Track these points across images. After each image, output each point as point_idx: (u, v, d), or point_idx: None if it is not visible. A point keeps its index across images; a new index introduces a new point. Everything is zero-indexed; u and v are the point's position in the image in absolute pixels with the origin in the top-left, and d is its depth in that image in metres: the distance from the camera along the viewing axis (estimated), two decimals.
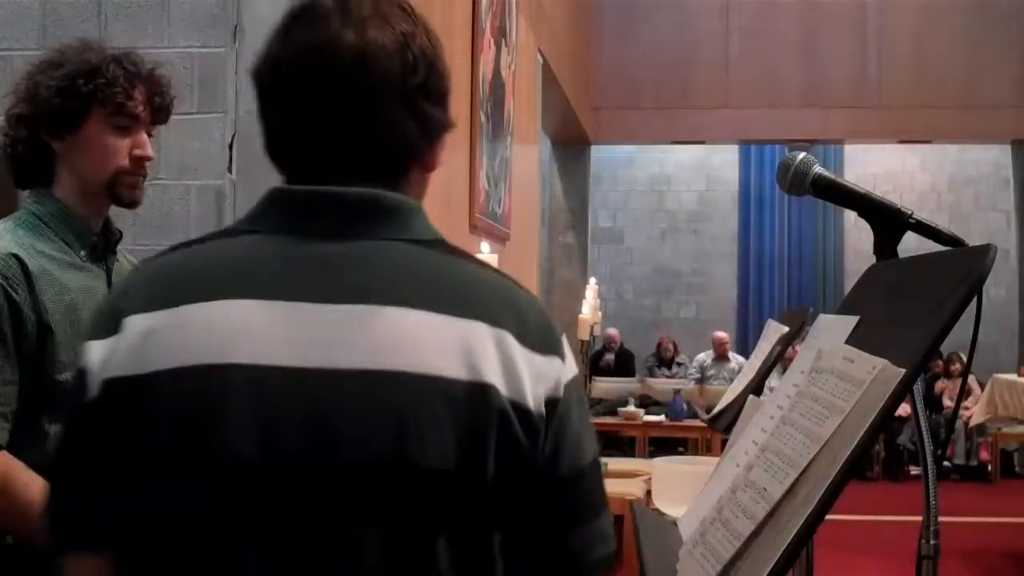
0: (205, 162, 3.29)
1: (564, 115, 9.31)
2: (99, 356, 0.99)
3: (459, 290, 1.00)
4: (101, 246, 1.80)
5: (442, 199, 3.97)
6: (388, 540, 0.94)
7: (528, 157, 6.63)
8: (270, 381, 0.95)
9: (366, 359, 0.95)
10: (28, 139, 1.73)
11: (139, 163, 1.77)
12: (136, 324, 0.98)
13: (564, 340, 1.05)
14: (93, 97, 1.71)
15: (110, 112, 1.73)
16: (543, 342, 1.01)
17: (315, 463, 0.93)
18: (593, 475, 1.03)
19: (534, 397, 0.98)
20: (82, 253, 1.76)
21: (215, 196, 3.27)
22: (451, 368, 0.95)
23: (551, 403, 0.99)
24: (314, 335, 0.96)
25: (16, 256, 1.65)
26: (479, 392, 0.95)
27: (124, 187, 1.77)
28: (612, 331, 11.06)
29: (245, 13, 3.24)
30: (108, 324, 1.00)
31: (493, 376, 0.96)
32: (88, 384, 0.99)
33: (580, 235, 11.35)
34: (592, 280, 7.84)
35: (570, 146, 11.09)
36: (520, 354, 0.98)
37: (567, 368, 1.02)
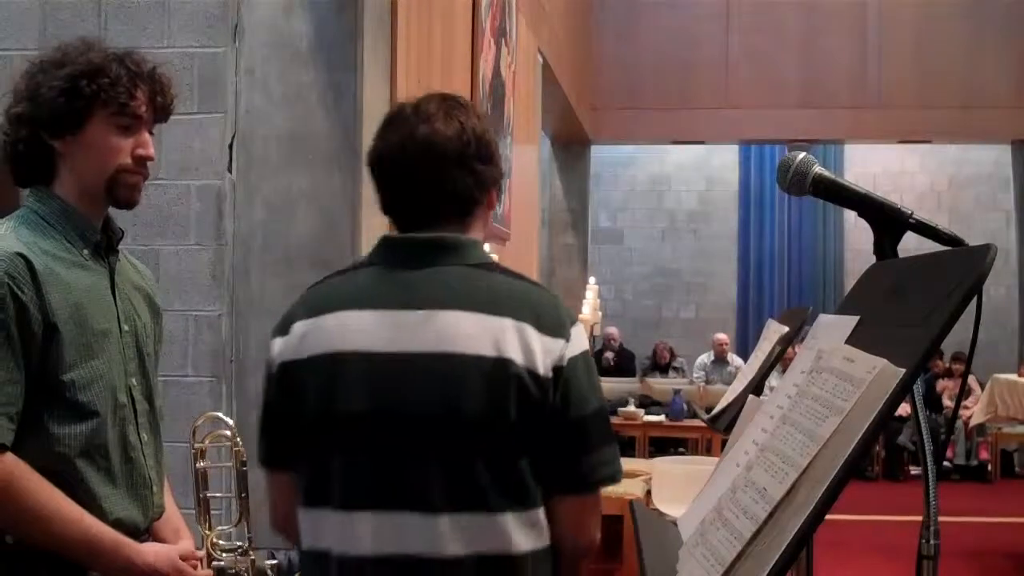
0: (205, 162, 3.29)
1: (564, 115, 9.31)
2: (278, 348, 1.59)
3: (493, 297, 1.53)
4: (104, 244, 1.79)
5: None
6: (443, 461, 1.48)
7: (528, 157, 6.64)
8: (371, 361, 1.51)
9: (427, 346, 1.49)
10: (29, 138, 1.72)
11: (141, 162, 1.76)
12: (298, 328, 1.58)
13: (575, 327, 1.54)
14: (96, 97, 1.70)
15: (113, 112, 1.72)
16: (553, 329, 1.51)
17: (399, 411, 1.50)
18: (596, 419, 1.51)
19: (543, 365, 1.48)
20: (85, 252, 1.74)
21: (215, 196, 3.27)
22: (481, 348, 1.48)
23: (557, 369, 1.48)
24: (397, 331, 1.52)
25: (22, 255, 1.63)
26: (500, 364, 1.47)
27: (123, 187, 1.75)
28: (612, 329, 11.06)
29: (245, 13, 3.24)
30: (284, 328, 1.60)
31: (513, 353, 1.47)
32: (273, 365, 1.59)
33: (580, 235, 11.35)
34: (592, 280, 7.86)
35: (570, 146, 11.09)
36: (535, 338, 1.49)
37: (572, 346, 1.51)
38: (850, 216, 9.22)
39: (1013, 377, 8.03)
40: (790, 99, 10.51)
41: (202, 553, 1.85)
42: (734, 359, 9.93)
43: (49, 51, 1.75)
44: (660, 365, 10.97)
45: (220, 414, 2.80)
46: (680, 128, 10.82)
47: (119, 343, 1.75)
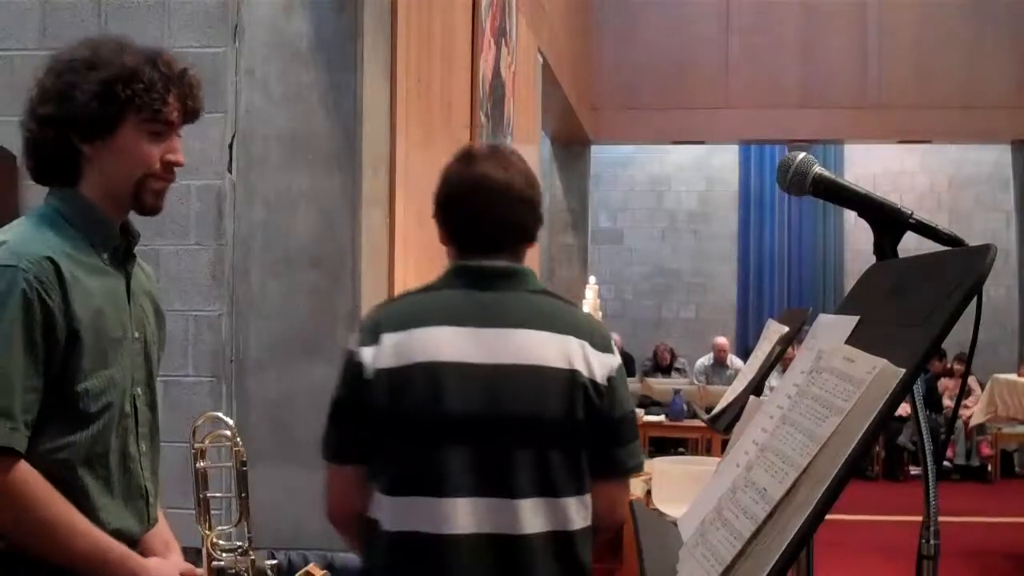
0: (205, 162, 3.28)
1: (564, 115, 9.30)
2: (369, 356, 1.82)
3: (557, 318, 1.88)
4: (122, 249, 1.76)
5: None
6: (527, 452, 1.79)
7: (528, 157, 6.62)
8: (460, 369, 1.80)
9: (509, 358, 1.82)
10: (56, 139, 1.68)
11: (169, 168, 1.73)
12: (389, 338, 1.83)
13: (613, 341, 1.92)
14: (130, 103, 1.66)
15: (145, 118, 1.68)
16: (603, 346, 1.88)
17: (488, 414, 1.79)
18: (630, 418, 1.90)
19: (600, 376, 1.84)
20: (104, 256, 1.71)
21: (215, 196, 3.27)
22: (556, 362, 1.82)
23: (609, 379, 1.85)
24: (480, 345, 1.82)
25: (51, 259, 1.60)
26: (571, 375, 1.82)
27: (150, 193, 1.72)
28: (613, 335, 11.05)
29: (245, 13, 3.24)
30: (372, 338, 1.84)
31: (579, 365, 1.82)
32: (365, 371, 1.82)
33: (580, 235, 11.35)
34: (592, 280, 7.84)
35: (570, 146, 11.09)
36: (592, 353, 1.85)
37: (615, 359, 1.89)
38: (850, 216, 9.22)
39: (1013, 377, 8.03)
40: (790, 99, 10.51)
41: (202, 571, 1.85)
42: (734, 362, 9.93)
43: (80, 49, 1.70)
44: (661, 366, 10.97)
45: (220, 414, 2.80)
46: (680, 128, 10.82)
47: (130, 351, 1.73)
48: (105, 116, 1.66)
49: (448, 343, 1.81)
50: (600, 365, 1.84)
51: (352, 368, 1.83)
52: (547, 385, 1.80)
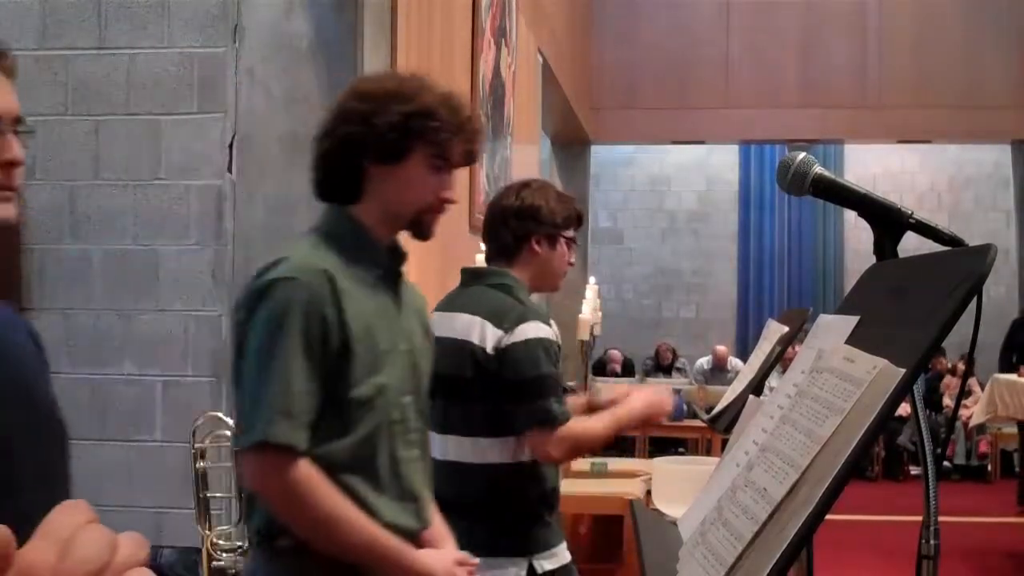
0: (205, 162, 3.29)
1: (564, 115, 9.31)
2: None
3: (483, 304, 2.38)
4: (393, 268, 1.87)
5: None
6: (453, 401, 2.33)
7: (528, 157, 6.63)
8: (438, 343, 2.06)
9: (446, 332, 2.30)
10: (349, 159, 1.81)
11: (443, 203, 1.87)
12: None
13: (523, 323, 2.34)
14: (422, 137, 1.80)
15: (432, 153, 1.81)
16: (503, 325, 2.33)
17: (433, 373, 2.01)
18: (530, 383, 2.30)
19: (489, 346, 2.32)
20: (375, 273, 1.82)
21: (215, 196, 3.27)
22: (462, 335, 2.35)
23: (498, 349, 2.32)
24: (439, 323, 2.27)
25: (327, 273, 1.72)
26: (465, 344, 2.33)
27: (426, 225, 1.87)
28: (615, 352, 11.02)
29: (245, 13, 3.24)
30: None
31: (474, 337, 2.34)
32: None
33: (580, 235, 11.31)
34: (592, 280, 7.83)
35: (570, 146, 11.09)
36: (489, 329, 2.33)
37: (513, 336, 2.32)
38: (850, 216, 9.23)
39: (1013, 377, 8.02)
40: (790, 99, 10.51)
41: (476, 560, 1.89)
42: (734, 364, 9.93)
43: (387, 80, 1.88)
44: (663, 366, 10.97)
45: (220, 414, 2.80)
46: (680, 128, 10.82)
47: (400, 362, 1.81)
48: (399, 144, 1.80)
49: (435, 322, 2.20)
50: (492, 337, 2.31)
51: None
52: (458, 352, 2.31)
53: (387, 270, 1.86)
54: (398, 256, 1.89)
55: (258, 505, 1.75)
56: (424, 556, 1.77)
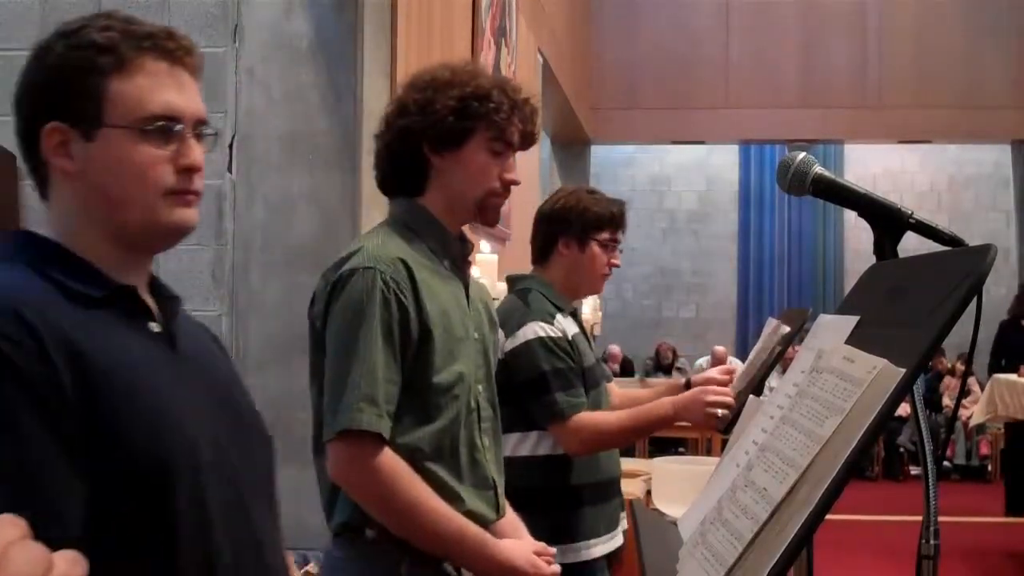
0: (205, 162, 3.28)
1: (564, 115, 9.30)
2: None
3: (501, 312, 2.34)
4: (460, 257, 1.87)
5: None
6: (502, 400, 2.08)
7: (528, 157, 6.63)
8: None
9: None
10: (410, 150, 1.81)
11: (507, 187, 1.87)
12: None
13: (523, 327, 2.42)
14: (480, 119, 1.80)
15: (491, 136, 1.82)
16: (507, 330, 2.38)
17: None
18: (535, 383, 2.40)
19: (501, 353, 2.28)
20: (445, 262, 1.83)
21: (215, 196, 3.27)
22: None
23: (505, 355, 2.37)
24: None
25: (404, 261, 1.73)
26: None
27: (491, 209, 1.87)
28: (615, 348, 11.02)
29: (245, 13, 3.24)
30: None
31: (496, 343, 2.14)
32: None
33: None
34: None
35: (570, 146, 11.09)
36: (500, 336, 2.17)
37: (515, 340, 2.41)
38: (850, 216, 9.21)
39: (1013, 377, 8.02)
40: (790, 99, 10.51)
41: (553, 550, 1.89)
42: (733, 363, 9.92)
43: (440, 70, 1.86)
44: (663, 366, 10.97)
45: None
46: (680, 128, 10.82)
47: (472, 350, 1.83)
48: (458, 129, 1.80)
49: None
50: (500, 344, 2.30)
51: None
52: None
53: (457, 260, 1.86)
54: (466, 246, 1.90)
55: (342, 496, 1.74)
56: (506, 546, 1.77)
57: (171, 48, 1.23)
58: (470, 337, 1.83)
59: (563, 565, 2.34)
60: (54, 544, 0.98)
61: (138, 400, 1.11)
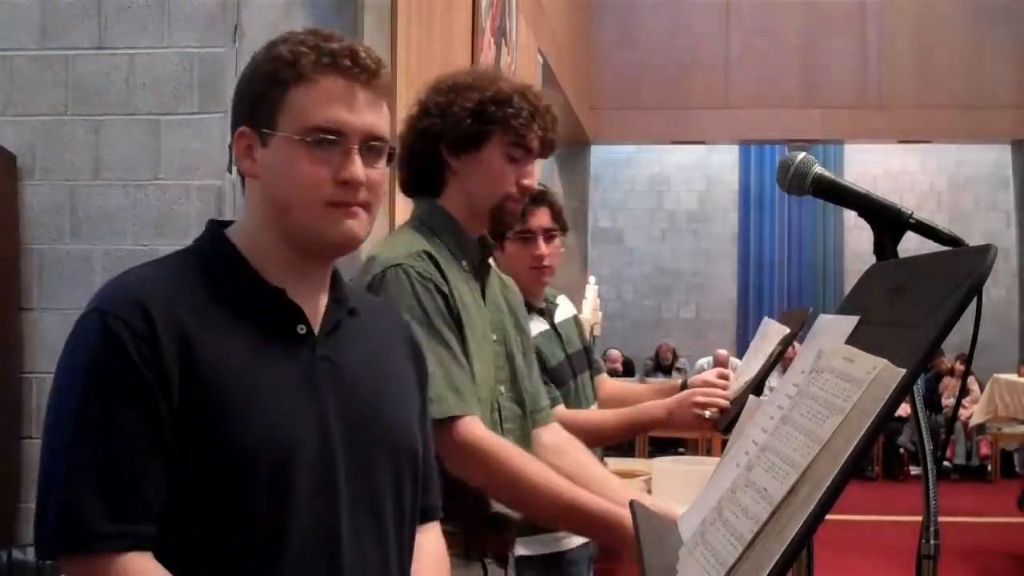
0: (205, 162, 3.29)
1: (564, 115, 9.28)
2: None
3: None
4: (480, 259, 1.88)
5: None
6: None
7: None
8: None
9: None
10: (429, 152, 1.83)
11: (524, 191, 1.87)
12: None
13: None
14: (499, 123, 1.81)
15: (509, 141, 1.83)
16: None
17: None
18: None
19: None
20: (464, 263, 1.84)
21: (215, 196, 3.27)
22: None
23: None
24: None
25: (428, 253, 1.76)
26: None
27: (508, 213, 1.87)
28: (614, 352, 11.02)
29: (245, 13, 3.24)
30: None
31: None
32: None
33: (580, 235, 11.34)
34: (592, 280, 7.86)
35: (570, 146, 11.08)
36: None
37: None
38: (850, 216, 9.20)
39: (1013, 377, 8.03)
40: (790, 99, 10.51)
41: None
42: (735, 364, 9.92)
43: (462, 74, 1.89)
44: (663, 366, 10.98)
45: None
46: (680, 128, 10.82)
47: (490, 351, 1.83)
48: (476, 132, 1.81)
49: None
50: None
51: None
52: None
53: (475, 262, 1.87)
54: (487, 249, 1.90)
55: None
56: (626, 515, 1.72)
57: (347, 66, 1.26)
58: (487, 339, 1.83)
59: (543, 556, 2.35)
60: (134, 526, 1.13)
61: (233, 391, 1.18)
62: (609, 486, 1.86)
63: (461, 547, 1.72)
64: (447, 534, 1.68)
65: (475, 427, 1.69)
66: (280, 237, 1.28)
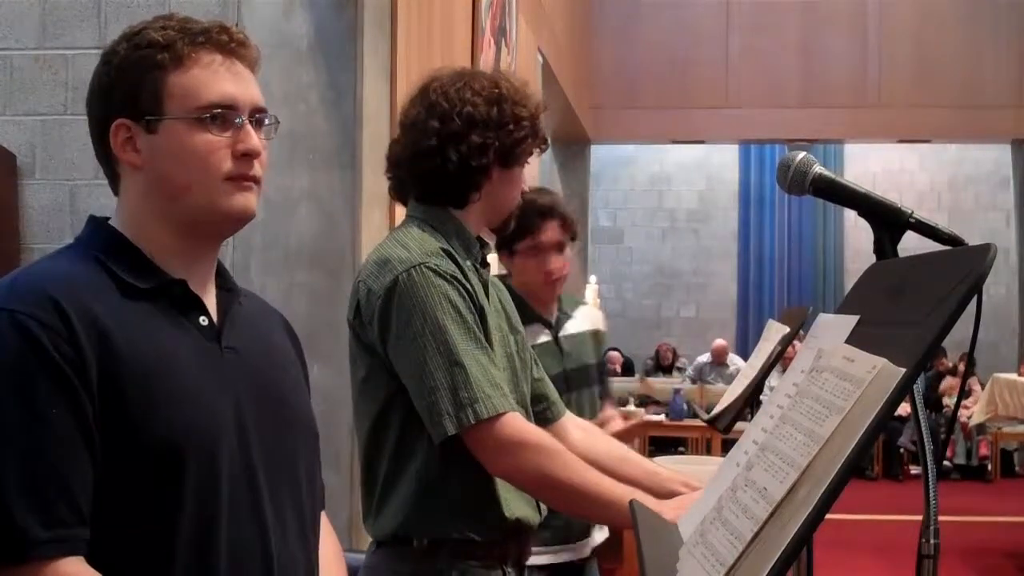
0: None
1: (564, 115, 9.30)
2: None
3: None
4: (480, 259, 1.88)
5: None
6: None
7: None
8: None
9: None
10: (468, 163, 1.77)
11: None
12: None
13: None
14: (535, 139, 1.82)
15: (530, 153, 1.84)
16: None
17: None
18: None
19: None
20: (467, 263, 1.82)
21: None
22: None
23: None
24: None
25: (450, 253, 1.74)
26: None
27: (511, 218, 1.92)
28: (613, 353, 11.01)
29: (245, 13, 3.24)
30: None
31: None
32: None
33: (580, 234, 11.32)
34: (592, 279, 7.86)
35: (570, 146, 11.09)
36: None
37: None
38: (850, 216, 9.22)
39: (1013, 377, 8.03)
40: (790, 99, 10.51)
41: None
42: (734, 360, 9.92)
43: (500, 81, 1.83)
44: (663, 366, 10.97)
45: None
46: (680, 128, 10.82)
47: (503, 351, 1.82)
48: (524, 147, 1.81)
49: None
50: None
51: None
52: None
53: (475, 261, 1.86)
54: (484, 248, 1.90)
55: (392, 503, 1.71)
56: (665, 509, 1.66)
57: (224, 41, 1.27)
58: (503, 339, 1.83)
59: (554, 565, 2.35)
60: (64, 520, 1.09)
61: (154, 385, 1.17)
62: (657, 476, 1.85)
63: (482, 556, 1.71)
64: (468, 543, 1.69)
65: (520, 422, 1.67)
66: (172, 225, 1.26)
